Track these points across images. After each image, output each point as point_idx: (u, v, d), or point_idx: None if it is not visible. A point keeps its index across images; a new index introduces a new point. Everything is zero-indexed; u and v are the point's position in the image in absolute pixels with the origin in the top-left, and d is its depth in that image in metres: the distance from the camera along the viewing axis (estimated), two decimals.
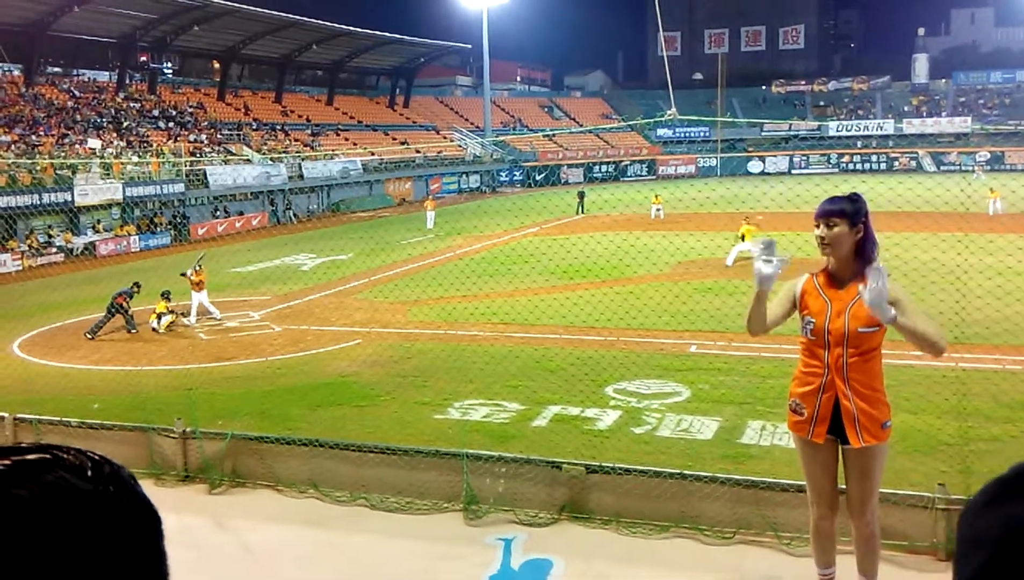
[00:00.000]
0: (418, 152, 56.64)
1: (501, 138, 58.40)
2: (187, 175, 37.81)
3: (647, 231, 24.85)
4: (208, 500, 7.03)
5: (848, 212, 4.08)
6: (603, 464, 6.33)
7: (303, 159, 45.79)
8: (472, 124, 67.05)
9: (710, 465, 7.28)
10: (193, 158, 39.93)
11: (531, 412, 10.03)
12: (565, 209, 33.92)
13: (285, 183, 43.31)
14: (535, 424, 9.64)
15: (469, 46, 65.95)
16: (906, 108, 69.99)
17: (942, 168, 56.44)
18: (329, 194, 46.72)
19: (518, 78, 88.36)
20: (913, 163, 59.97)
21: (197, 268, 16.94)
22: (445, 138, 63.61)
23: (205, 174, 39.08)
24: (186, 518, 6.52)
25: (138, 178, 35.89)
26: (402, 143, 57.62)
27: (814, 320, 4.18)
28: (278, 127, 51.33)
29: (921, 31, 76.49)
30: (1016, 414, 9.33)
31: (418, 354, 13.43)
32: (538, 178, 61.02)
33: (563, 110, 78.16)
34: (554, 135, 69.12)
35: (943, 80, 72.64)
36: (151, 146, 39.79)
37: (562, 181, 61.14)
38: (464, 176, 58.47)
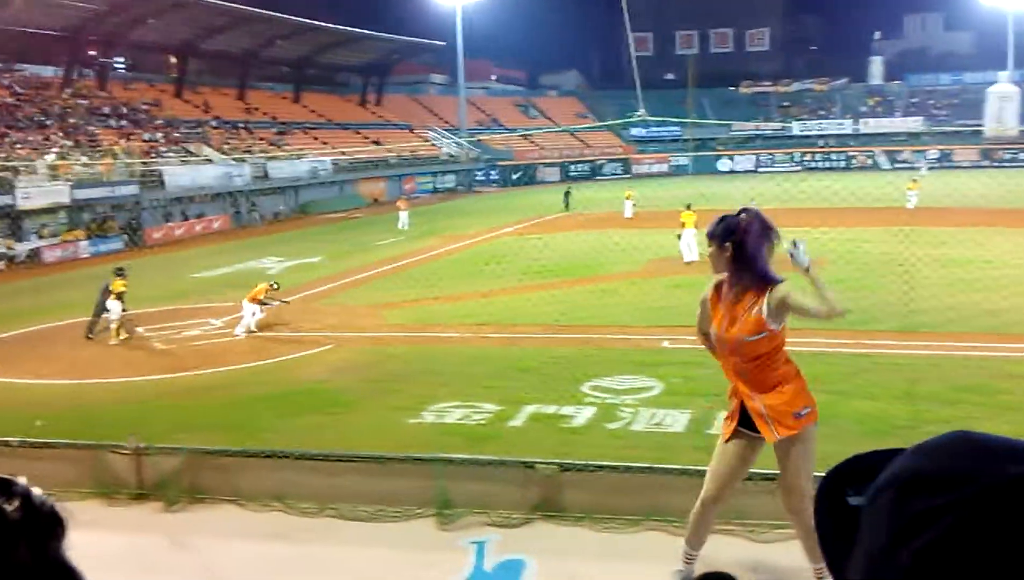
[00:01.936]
0: (391, 151, 56.47)
1: (477, 138, 58.61)
2: (142, 176, 37.31)
3: (621, 229, 25.09)
4: (164, 519, 6.84)
5: (716, 234, 4.53)
6: (575, 462, 6.53)
7: (268, 159, 45.43)
8: (447, 123, 67.12)
9: (682, 457, 7.53)
10: (150, 160, 39.47)
11: (507, 412, 10.22)
12: (541, 208, 34.03)
13: (249, 184, 42.89)
14: (511, 424, 9.86)
15: (443, 44, 66.10)
16: (863, 108, 74.52)
17: (896, 165, 60.23)
18: (297, 195, 46.40)
19: (493, 77, 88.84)
20: (870, 161, 64.00)
21: (275, 286, 17.09)
22: (419, 137, 63.58)
23: (161, 175, 38.57)
24: (140, 538, 6.36)
25: (87, 180, 35.28)
26: (374, 142, 57.47)
27: (713, 330, 4.65)
28: (241, 125, 50.93)
29: (877, 35, 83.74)
30: (963, 397, 10.06)
31: (392, 358, 13.49)
32: (514, 177, 61.52)
33: (539, 109, 78.90)
34: (530, 135, 69.41)
35: (897, 82, 77.85)
36: (101, 146, 39.22)
37: (539, 180, 62.17)
38: (439, 176, 58.47)
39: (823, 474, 0.80)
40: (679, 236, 21.54)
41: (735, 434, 4.74)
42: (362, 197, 50.71)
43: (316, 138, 54.43)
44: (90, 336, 16.05)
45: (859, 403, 9.94)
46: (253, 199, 42.88)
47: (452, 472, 6.53)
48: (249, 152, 46.23)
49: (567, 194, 40.55)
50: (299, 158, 48.09)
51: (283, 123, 54.20)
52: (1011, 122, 65.44)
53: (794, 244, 4.61)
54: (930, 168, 51.88)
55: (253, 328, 15.90)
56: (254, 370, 13.24)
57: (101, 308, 16.14)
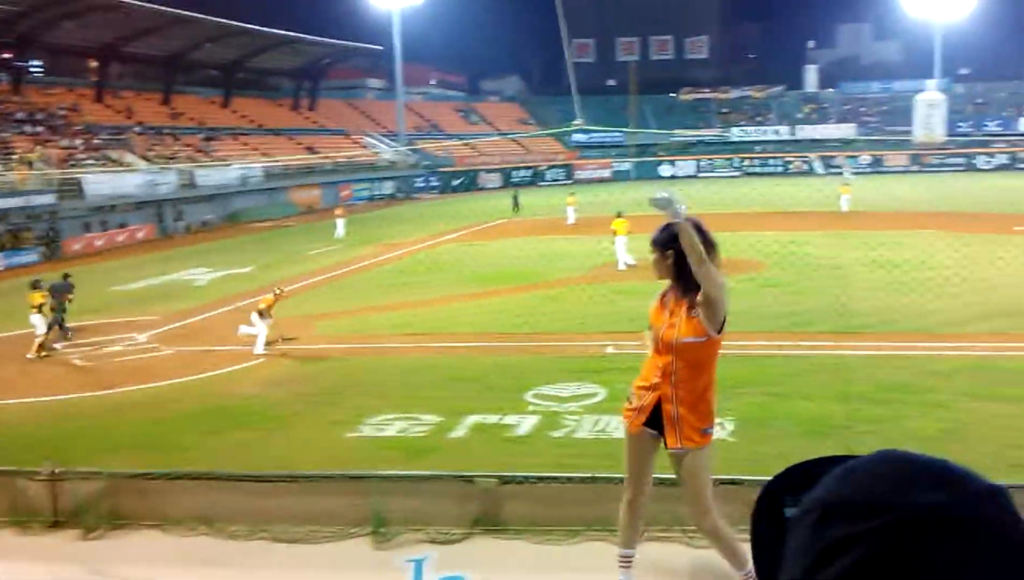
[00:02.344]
0: (326, 158, 55.87)
1: (417, 145, 58.38)
2: (59, 185, 36.13)
3: (564, 236, 25.23)
4: (82, 547, 6.56)
5: (658, 241, 4.73)
6: (515, 474, 6.51)
7: (196, 166, 44.50)
8: (385, 128, 66.78)
9: None
10: (68, 168, 38.29)
11: (448, 423, 10.16)
12: (483, 215, 34.00)
13: (175, 192, 41.96)
14: (453, 435, 9.81)
15: (380, 48, 65.83)
16: (799, 115, 77.72)
17: (830, 170, 62.62)
18: (226, 203, 45.51)
19: (432, 82, 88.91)
20: (806, 166, 66.39)
21: (279, 292, 16.17)
22: (355, 143, 63.06)
23: (80, 183, 37.44)
24: (56, 568, 6.12)
25: (0, 189, 34.00)
26: (308, 148, 56.80)
27: (655, 328, 4.84)
28: (166, 131, 49.88)
29: (811, 44, 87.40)
30: (895, 396, 10.45)
31: (328, 371, 13.33)
32: (455, 184, 61.51)
33: (480, 115, 79.14)
34: (471, 140, 69.49)
35: (830, 89, 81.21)
36: (16, 153, 37.92)
37: (480, 187, 62.42)
38: (376, 183, 58.04)
39: (766, 481, 0.82)
40: (614, 243, 21.74)
41: (640, 429, 4.89)
42: (295, 205, 50.04)
43: (246, 144, 53.60)
44: (44, 353, 15.42)
45: (797, 404, 10.22)
46: (179, 208, 41.93)
47: (388, 489, 6.43)
48: (175, 159, 45.24)
49: (515, 197, 41.72)
50: (228, 165, 47.22)
51: (211, 129, 53.23)
52: (938, 129, 68.03)
53: (667, 197, 4.50)
54: (857, 172, 53.99)
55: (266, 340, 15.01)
56: (181, 386, 12.90)
57: (54, 321, 15.67)
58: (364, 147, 62.55)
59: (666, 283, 4.88)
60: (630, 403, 4.96)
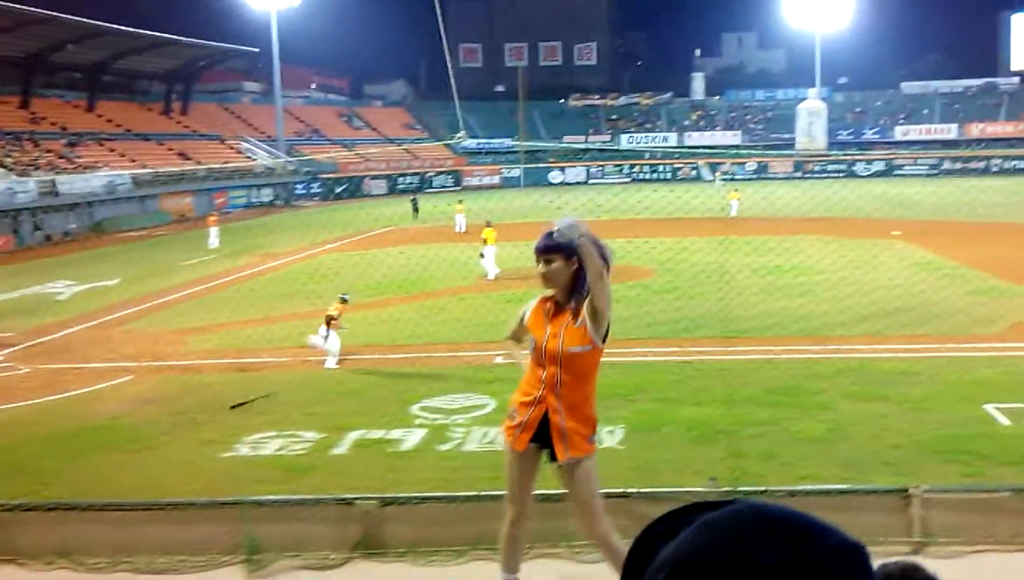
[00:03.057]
0: (200, 164, 54.31)
1: (297, 150, 57.25)
2: None
3: (452, 243, 25.27)
4: None
5: (559, 247, 4.64)
6: (397, 495, 6.48)
7: (57, 172, 42.53)
8: (263, 133, 65.47)
9: None
10: None
11: (330, 440, 9.97)
12: (368, 222, 33.67)
13: (35, 200, 40.04)
14: (335, 452, 9.62)
15: (257, 50, 64.46)
16: (686, 122, 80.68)
17: (718, 177, 64.74)
18: (92, 212, 43.69)
19: (313, 85, 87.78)
20: (694, 172, 68.41)
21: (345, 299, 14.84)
22: (232, 148, 61.59)
23: None
24: None
25: None
26: (180, 154, 55.16)
27: (534, 339, 4.80)
28: (25, 136, 47.58)
29: (698, 52, 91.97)
30: (780, 399, 10.78)
31: (201, 387, 12.89)
32: (338, 191, 60.73)
33: (363, 120, 78.51)
34: (355, 146, 68.78)
35: (716, 97, 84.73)
36: None
37: (364, 193, 62.00)
38: (254, 189, 56.79)
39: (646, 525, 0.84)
40: (482, 254, 21.85)
41: (526, 446, 4.87)
42: (167, 213, 48.48)
43: (113, 150, 51.60)
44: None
45: (686, 410, 10.42)
46: (39, 217, 40.02)
47: (262, 514, 6.27)
48: (35, 165, 43.14)
49: (415, 203, 42.85)
50: (94, 171, 45.34)
51: (75, 134, 51.04)
52: (819, 136, 71.39)
53: (569, 223, 4.58)
54: (727, 179, 56.70)
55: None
56: (40, 407, 12.25)
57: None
58: (240, 153, 61.12)
59: (545, 291, 4.86)
60: (512, 420, 4.90)
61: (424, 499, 6.38)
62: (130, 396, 12.57)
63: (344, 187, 61.61)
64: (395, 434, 10.07)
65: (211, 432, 10.47)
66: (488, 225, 22.48)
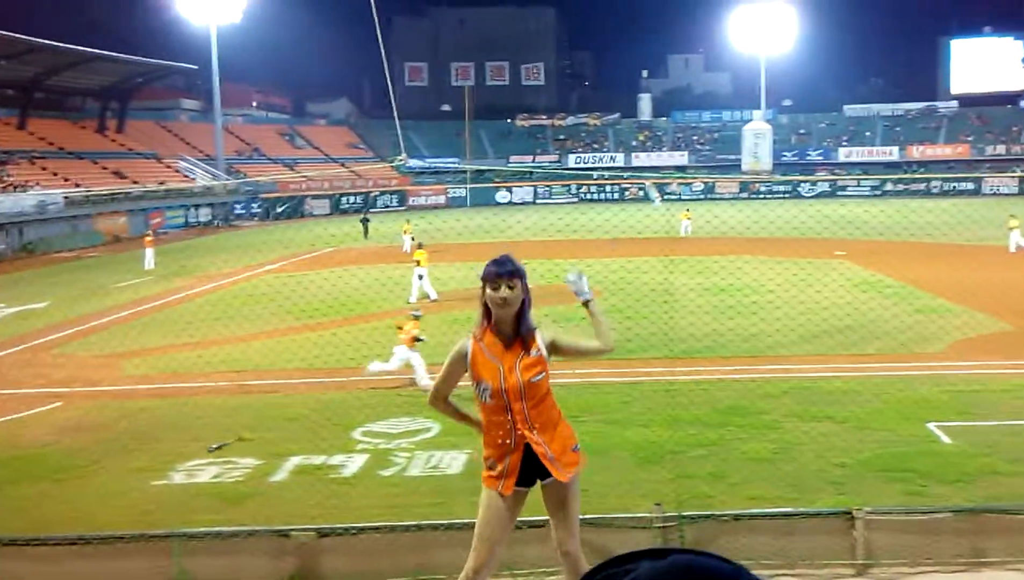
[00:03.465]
0: (136, 183, 53.35)
1: (237, 169, 56.45)
2: None
3: (397, 264, 25.14)
4: None
5: (521, 272, 4.60)
6: (335, 526, 6.42)
7: None
8: (201, 152, 64.56)
9: (460, 499, 7.59)
10: None
11: (269, 466, 9.83)
12: (310, 242, 33.34)
13: None
14: (273, 479, 9.49)
15: (196, 67, 63.62)
16: (634, 143, 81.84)
17: (665, 197, 65.96)
18: (21, 233, 42.59)
19: (254, 103, 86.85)
20: (641, 193, 69.36)
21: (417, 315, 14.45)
22: (169, 167, 60.65)
23: None
24: None
25: None
26: (115, 173, 54.15)
27: (490, 384, 4.61)
28: None
29: (645, 73, 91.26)
30: (727, 419, 10.94)
31: (134, 413, 12.62)
32: (279, 210, 60.14)
33: (305, 139, 77.94)
34: (296, 165, 68.24)
35: (664, 118, 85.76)
36: None
37: (306, 213, 61.51)
38: (192, 209, 55.92)
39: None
40: (420, 276, 21.78)
41: (514, 490, 4.78)
42: (100, 234, 47.45)
43: (45, 168, 50.46)
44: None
45: (632, 431, 10.47)
46: None
47: (194, 547, 6.16)
48: None
49: (365, 221, 42.93)
50: (24, 191, 44.28)
51: (5, 152, 49.79)
52: (764, 158, 72.77)
53: (578, 275, 4.90)
54: (667, 199, 57.60)
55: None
56: None
57: None
58: (178, 171, 60.23)
59: (474, 328, 4.73)
60: (493, 470, 4.74)
61: (362, 529, 6.31)
62: (59, 423, 12.27)
63: (285, 206, 61.04)
64: (336, 459, 9.95)
65: (143, 459, 10.24)
66: (420, 247, 22.49)
